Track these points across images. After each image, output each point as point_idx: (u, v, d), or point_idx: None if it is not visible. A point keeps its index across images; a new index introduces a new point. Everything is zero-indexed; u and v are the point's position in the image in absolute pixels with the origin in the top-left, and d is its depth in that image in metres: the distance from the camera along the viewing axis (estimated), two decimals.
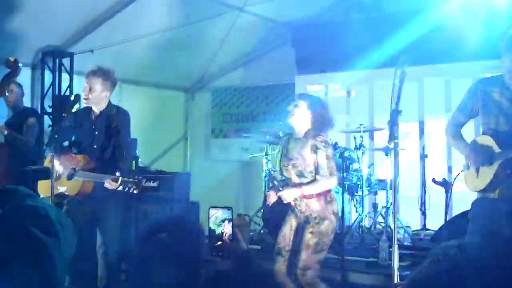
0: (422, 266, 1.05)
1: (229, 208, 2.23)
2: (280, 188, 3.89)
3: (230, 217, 2.20)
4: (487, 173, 3.13)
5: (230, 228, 2.24)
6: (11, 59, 4.56)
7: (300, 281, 3.71)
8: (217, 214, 2.21)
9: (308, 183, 3.81)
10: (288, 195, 3.83)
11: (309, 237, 3.75)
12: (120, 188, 3.84)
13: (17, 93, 5.18)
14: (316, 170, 3.80)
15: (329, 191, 3.87)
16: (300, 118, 3.90)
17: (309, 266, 3.73)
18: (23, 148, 4.89)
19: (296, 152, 3.86)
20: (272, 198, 3.95)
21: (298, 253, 3.79)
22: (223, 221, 2.22)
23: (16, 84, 5.21)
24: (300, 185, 3.81)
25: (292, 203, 3.88)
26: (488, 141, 3.19)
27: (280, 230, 3.96)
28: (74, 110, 4.26)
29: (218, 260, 2.31)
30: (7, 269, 0.92)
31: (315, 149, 3.78)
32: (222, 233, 2.24)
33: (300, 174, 3.84)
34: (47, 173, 4.04)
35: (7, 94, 4.75)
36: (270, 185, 3.97)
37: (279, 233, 3.96)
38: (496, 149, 3.12)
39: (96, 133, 4.19)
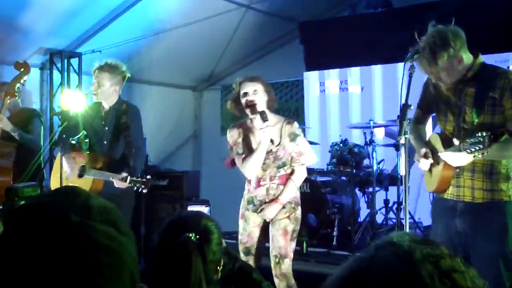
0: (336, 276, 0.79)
1: (207, 204, 2.27)
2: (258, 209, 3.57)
3: (208, 212, 2.24)
4: (437, 174, 3.00)
5: None
6: (20, 61, 4.59)
7: (274, 270, 3.46)
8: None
9: (284, 187, 3.52)
10: (271, 213, 3.51)
11: (286, 223, 3.49)
12: (129, 185, 3.84)
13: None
14: (293, 159, 3.56)
15: None
16: (262, 104, 3.56)
17: (287, 254, 3.46)
18: (34, 148, 4.87)
19: (274, 142, 3.54)
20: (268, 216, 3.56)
21: (272, 241, 3.51)
22: None
23: None
24: (276, 198, 3.51)
25: (264, 193, 3.55)
26: (436, 140, 3.03)
27: (242, 228, 3.65)
28: (83, 107, 4.25)
29: None
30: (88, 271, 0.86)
31: (293, 137, 3.54)
32: None
33: (282, 165, 3.56)
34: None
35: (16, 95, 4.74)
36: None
37: (242, 232, 3.63)
38: (441, 148, 2.95)
39: (106, 128, 4.17)
